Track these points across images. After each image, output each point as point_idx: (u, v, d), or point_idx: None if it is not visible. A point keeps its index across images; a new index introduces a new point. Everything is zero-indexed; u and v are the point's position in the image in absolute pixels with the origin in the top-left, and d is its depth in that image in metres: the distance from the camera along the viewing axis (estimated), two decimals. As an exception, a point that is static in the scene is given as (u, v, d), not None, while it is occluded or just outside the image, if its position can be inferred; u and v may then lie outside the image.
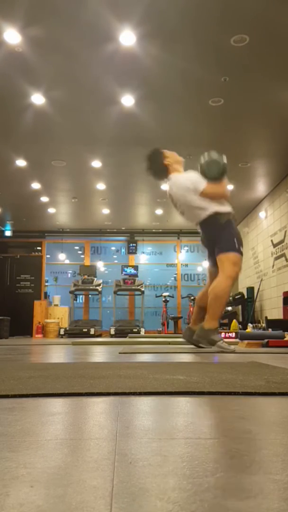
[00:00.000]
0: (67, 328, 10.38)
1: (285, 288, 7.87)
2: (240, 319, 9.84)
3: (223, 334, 5.38)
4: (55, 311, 11.11)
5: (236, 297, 9.94)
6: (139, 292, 11.20)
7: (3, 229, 11.72)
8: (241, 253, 3.42)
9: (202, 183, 3.44)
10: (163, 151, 3.72)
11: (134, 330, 10.25)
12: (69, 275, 12.49)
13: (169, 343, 4.61)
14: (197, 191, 3.42)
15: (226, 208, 3.47)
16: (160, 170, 3.71)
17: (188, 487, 0.45)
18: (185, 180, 3.53)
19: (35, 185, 8.35)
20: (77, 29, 4.14)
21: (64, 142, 6.55)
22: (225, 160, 3.53)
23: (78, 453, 0.59)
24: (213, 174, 3.43)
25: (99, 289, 11.12)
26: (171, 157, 3.69)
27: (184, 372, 1.56)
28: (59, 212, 10.30)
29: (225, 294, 3.30)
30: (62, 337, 9.93)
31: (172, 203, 3.74)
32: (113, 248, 12.69)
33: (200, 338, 3.31)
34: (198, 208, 3.46)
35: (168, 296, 11.19)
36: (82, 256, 12.57)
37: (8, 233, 11.86)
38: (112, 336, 10.07)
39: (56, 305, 11.23)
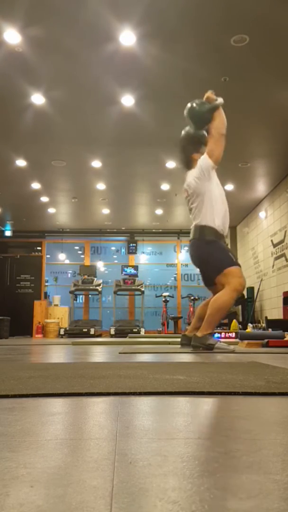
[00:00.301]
0: (67, 328, 10.38)
1: (285, 288, 7.87)
2: (240, 319, 9.84)
3: (223, 334, 5.38)
4: (55, 311, 11.11)
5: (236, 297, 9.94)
6: (139, 292, 11.20)
7: (3, 229, 11.72)
8: (239, 265, 3.42)
9: (204, 158, 3.45)
10: (201, 147, 3.69)
11: (134, 330, 10.25)
12: (69, 275, 12.49)
13: (169, 343, 4.60)
14: (204, 166, 3.42)
15: (215, 224, 3.43)
16: (186, 162, 3.72)
17: (188, 487, 0.45)
18: (192, 171, 3.55)
19: (35, 185, 8.35)
20: (77, 29, 4.14)
21: (64, 142, 6.55)
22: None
23: (78, 453, 0.59)
24: (202, 111, 3.45)
25: (99, 289, 11.12)
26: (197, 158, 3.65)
27: (184, 372, 1.56)
28: (59, 212, 10.30)
29: (227, 306, 3.31)
30: (62, 337, 9.93)
31: (186, 198, 3.70)
32: (113, 248, 12.69)
33: (198, 347, 3.32)
34: (200, 204, 3.44)
35: (168, 296, 11.19)
36: (82, 256, 12.57)
37: (8, 233, 11.86)
38: (112, 336, 10.07)
39: (56, 305, 11.24)
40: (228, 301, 3.29)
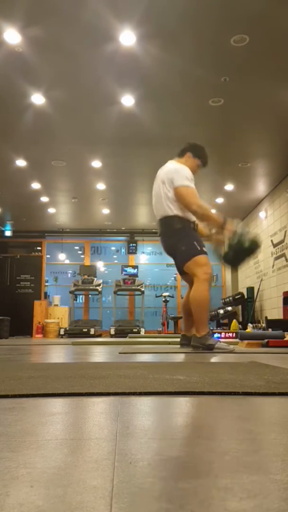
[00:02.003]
0: (67, 328, 10.38)
1: (285, 288, 7.87)
2: (240, 319, 9.83)
3: (223, 334, 5.37)
4: (55, 311, 11.11)
5: (236, 297, 9.95)
6: (139, 292, 11.20)
7: (3, 229, 11.72)
8: (206, 253, 3.40)
9: (183, 181, 3.35)
10: (198, 159, 3.65)
11: (134, 330, 10.25)
12: (69, 275, 12.49)
13: (169, 343, 4.60)
14: (173, 183, 3.36)
15: (188, 215, 3.41)
16: (181, 151, 3.69)
17: (188, 487, 0.45)
18: (174, 169, 3.47)
19: (35, 185, 8.35)
20: (77, 29, 4.14)
21: (64, 142, 6.55)
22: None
23: (78, 453, 0.59)
24: (245, 244, 3.28)
25: (99, 289, 11.12)
26: (192, 163, 3.60)
27: (184, 372, 1.56)
28: (59, 212, 10.30)
29: (205, 299, 3.30)
30: (62, 337, 9.93)
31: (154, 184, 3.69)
32: (113, 248, 12.69)
33: (197, 347, 3.32)
34: (162, 200, 3.42)
35: (168, 296, 11.19)
36: (82, 256, 12.57)
37: (8, 233, 11.86)
38: (112, 336, 10.07)
39: (56, 305, 11.23)
40: (203, 293, 3.29)
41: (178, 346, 3.79)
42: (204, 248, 3.41)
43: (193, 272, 3.35)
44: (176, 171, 3.45)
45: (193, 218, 3.45)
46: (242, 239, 3.28)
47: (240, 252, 3.32)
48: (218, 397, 1.07)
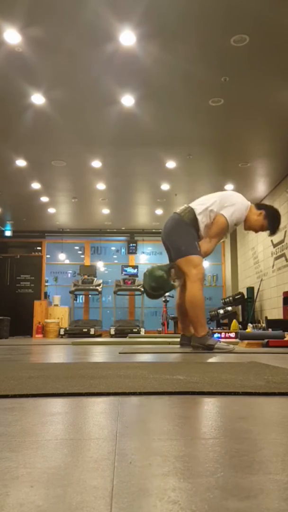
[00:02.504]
0: (67, 328, 10.38)
1: (285, 288, 7.87)
2: (240, 319, 9.83)
3: (223, 334, 5.38)
4: (55, 311, 11.11)
5: (236, 297, 9.95)
6: (139, 292, 11.20)
7: (3, 229, 11.72)
8: (199, 253, 3.41)
9: (229, 211, 3.41)
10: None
11: (134, 330, 10.25)
12: (69, 275, 12.49)
13: (169, 343, 4.60)
14: (220, 207, 3.40)
15: (202, 229, 3.43)
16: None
17: (188, 487, 0.45)
18: (238, 199, 3.53)
19: (35, 185, 8.35)
20: (77, 29, 4.14)
21: (64, 142, 6.55)
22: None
23: (78, 453, 0.59)
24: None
25: (99, 289, 11.12)
26: (258, 217, 3.74)
27: (184, 372, 1.56)
28: (59, 212, 10.31)
29: (199, 299, 3.30)
30: (62, 337, 9.93)
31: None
32: (113, 248, 12.69)
33: (198, 347, 3.32)
34: (203, 206, 3.44)
35: (168, 296, 11.17)
36: (82, 256, 12.57)
37: (8, 233, 11.86)
38: (112, 336, 10.07)
39: (56, 305, 11.24)
40: (197, 293, 3.29)
41: (178, 346, 3.79)
42: (198, 248, 3.42)
43: (185, 270, 3.35)
44: (235, 204, 3.47)
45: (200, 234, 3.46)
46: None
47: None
48: (218, 397, 1.07)
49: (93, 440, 0.66)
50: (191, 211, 3.44)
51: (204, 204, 3.45)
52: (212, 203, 3.44)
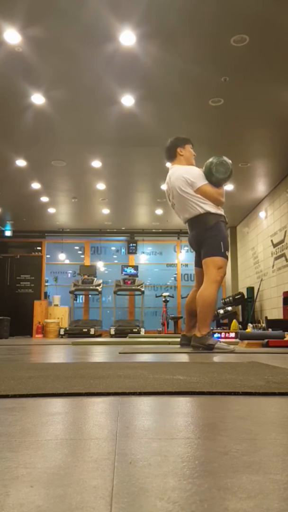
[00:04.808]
0: (67, 328, 10.38)
1: (285, 288, 7.87)
2: (240, 319, 9.84)
3: (223, 334, 5.37)
4: (55, 311, 11.11)
5: (236, 297, 9.95)
6: (139, 292, 11.20)
7: (3, 229, 11.72)
8: (226, 257, 3.43)
9: (202, 181, 3.43)
10: (185, 145, 3.71)
11: (134, 330, 10.25)
12: (69, 275, 12.49)
13: (169, 343, 4.60)
14: (194, 186, 3.42)
15: (218, 210, 3.47)
16: (169, 152, 3.72)
17: (188, 487, 0.45)
18: (184, 172, 3.52)
19: (35, 185, 8.35)
20: (77, 29, 4.15)
21: (64, 142, 6.55)
22: (232, 168, 3.51)
23: (78, 453, 0.59)
24: (218, 174, 3.42)
25: (99, 289, 11.12)
26: (186, 153, 3.68)
27: (184, 372, 1.56)
28: (59, 212, 10.31)
29: (212, 300, 3.32)
30: (62, 337, 9.93)
31: (166, 194, 3.74)
32: (113, 248, 12.69)
33: (197, 347, 3.32)
34: (190, 203, 3.45)
35: (168, 296, 11.19)
36: (82, 256, 12.57)
37: (8, 233, 11.86)
38: (112, 336, 10.07)
39: (56, 305, 11.24)
40: (212, 294, 3.31)
41: (178, 346, 3.79)
42: (227, 252, 3.43)
43: (208, 270, 3.36)
44: (188, 174, 3.49)
45: (222, 211, 3.50)
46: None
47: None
48: (218, 397, 1.07)
49: (93, 440, 0.66)
50: (199, 217, 3.45)
51: (190, 204, 3.46)
52: (188, 195, 3.46)
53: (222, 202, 3.50)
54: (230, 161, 3.51)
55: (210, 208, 3.43)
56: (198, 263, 3.62)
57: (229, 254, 3.51)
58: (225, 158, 3.50)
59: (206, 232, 3.43)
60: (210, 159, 3.48)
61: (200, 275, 3.57)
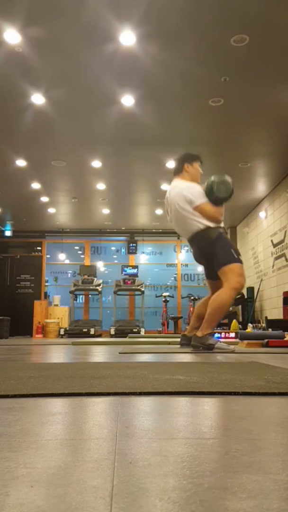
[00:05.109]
0: (67, 328, 10.38)
1: (285, 288, 7.87)
2: (240, 319, 9.84)
3: (223, 334, 5.38)
4: (55, 311, 11.10)
5: (236, 297, 9.93)
6: (139, 292, 11.20)
7: (3, 229, 11.72)
8: (241, 262, 3.43)
9: (201, 198, 3.44)
10: (193, 162, 3.72)
11: (134, 330, 10.25)
12: (69, 275, 12.49)
13: (169, 343, 4.60)
14: (192, 204, 3.43)
15: (218, 224, 3.48)
16: (176, 166, 3.75)
17: (188, 487, 0.45)
18: (184, 188, 3.53)
19: (35, 185, 8.35)
20: (77, 29, 4.14)
21: (64, 142, 6.55)
22: (233, 188, 3.50)
23: (78, 453, 0.59)
24: (219, 193, 3.41)
25: (99, 289, 11.12)
26: (192, 170, 3.69)
27: (184, 372, 1.56)
28: (59, 212, 10.30)
29: (226, 305, 3.32)
30: (62, 337, 9.93)
31: (165, 207, 3.76)
32: (113, 248, 12.69)
33: (198, 347, 3.32)
34: (188, 220, 3.46)
35: (168, 296, 11.19)
36: (82, 256, 12.57)
37: (8, 233, 11.86)
38: (112, 336, 10.07)
39: (56, 305, 11.23)
40: (227, 300, 3.30)
41: (178, 346, 3.79)
42: (240, 257, 3.44)
43: (227, 278, 3.34)
44: (188, 190, 3.50)
45: (222, 223, 3.51)
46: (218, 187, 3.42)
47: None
48: (218, 397, 1.07)
49: (93, 440, 0.66)
50: (200, 233, 3.45)
51: (189, 221, 3.48)
52: (187, 212, 3.47)
53: (220, 221, 3.49)
54: (231, 180, 3.49)
55: (209, 223, 3.43)
56: (210, 275, 3.60)
57: (241, 258, 3.51)
58: (226, 177, 3.50)
59: (211, 245, 3.43)
60: (212, 178, 3.47)
61: (213, 286, 3.55)
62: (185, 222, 3.50)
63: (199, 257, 3.63)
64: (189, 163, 3.71)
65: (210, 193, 3.43)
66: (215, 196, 3.41)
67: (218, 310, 3.30)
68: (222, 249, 3.41)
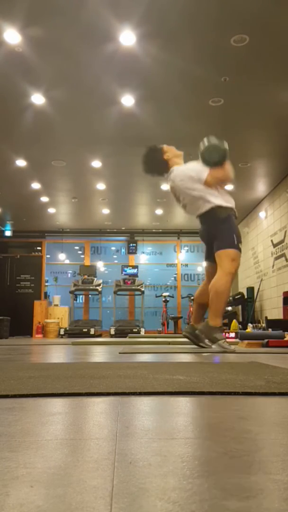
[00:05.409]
0: (67, 328, 10.38)
1: (285, 288, 7.87)
2: (240, 319, 9.84)
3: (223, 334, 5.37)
4: (55, 311, 11.10)
5: (236, 297, 9.95)
6: (139, 292, 11.20)
7: (3, 229, 11.72)
8: (240, 250, 3.43)
9: (205, 171, 3.43)
10: (161, 147, 3.72)
11: (134, 330, 10.25)
12: (69, 275, 12.49)
13: (169, 343, 4.60)
14: (201, 180, 3.41)
15: (228, 203, 3.47)
16: (160, 166, 3.69)
17: (188, 487, 0.45)
18: (188, 170, 3.52)
19: (35, 185, 8.35)
20: (77, 29, 4.14)
21: (64, 142, 6.55)
22: (225, 144, 3.49)
23: (78, 453, 0.59)
24: (214, 159, 3.42)
25: (99, 289, 11.12)
26: (170, 151, 3.70)
27: (184, 372, 1.56)
28: (59, 212, 10.31)
29: (226, 290, 3.31)
30: (62, 337, 9.93)
31: (174, 197, 3.71)
32: (113, 248, 12.69)
33: (203, 334, 3.31)
34: (201, 199, 3.44)
35: (168, 296, 11.19)
36: (82, 256, 12.57)
37: (8, 233, 11.86)
38: (112, 336, 10.07)
39: (56, 305, 11.23)
40: (225, 285, 3.30)
41: (178, 346, 3.79)
42: (240, 245, 3.43)
43: (222, 262, 3.35)
44: (190, 170, 3.50)
45: (233, 204, 3.48)
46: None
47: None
48: (218, 397, 1.07)
49: (93, 440, 0.66)
50: (210, 211, 3.44)
51: (200, 200, 3.45)
52: (196, 191, 3.45)
53: (231, 178, 3.52)
54: (218, 140, 3.49)
55: (221, 201, 3.42)
56: (209, 257, 3.59)
57: (241, 246, 3.50)
58: (212, 139, 3.49)
59: (219, 224, 3.43)
60: (201, 148, 3.48)
61: (211, 269, 3.56)
62: (197, 202, 3.48)
63: (206, 235, 3.60)
64: (160, 153, 3.67)
65: (207, 163, 3.43)
66: (212, 162, 3.42)
67: (218, 296, 3.29)
68: (225, 231, 3.41)
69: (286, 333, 4.59)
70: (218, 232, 3.43)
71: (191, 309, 10.77)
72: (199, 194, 3.44)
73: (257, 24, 4.08)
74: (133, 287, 11.15)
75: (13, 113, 5.69)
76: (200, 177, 3.42)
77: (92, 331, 10.12)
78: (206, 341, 3.44)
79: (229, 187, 8.38)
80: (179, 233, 11.85)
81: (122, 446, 0.62)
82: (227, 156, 3.48)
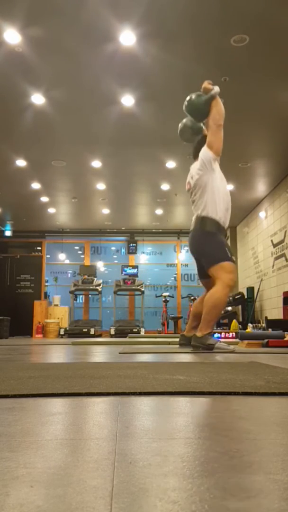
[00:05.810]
0: (67, 328, 10.38)
1: (285, 288, 7.87)
2: (240, 319, 9.84)
3: (223, 334, 5.38)
4: (55, 311, 11.11)
5: (236, 297, 9.95)
6: (139, 292, 11.20)
7: (3, 229, 11.72)
8: (234, 262, 3.42)
9: (204, 144, 3.51)
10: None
11: (134, 330, 10.25)
12: (69, 275, 12.49)
13: (169, 343, 4.60)
14: (207, 150, 3.46)
15: (217, 215, 3.42)
16: (196, 148, 3.75)
17: (188, 487, 0.45)
18: (198, 160, 3.56)
19: (35, 185, 8.35)
20: (77, 29, 4.14)
21: (64, 142, 6.55)
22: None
23: (78, 453, 0.59)
24: (201, 100, 3.52)
25: (99, 289, 11.12)
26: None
27: (184, 372, 1.56)
28: (59, 212, 10.31)
29: (222, 303, 3.30)
30: (62, 337, 9.93)
31: (188, 191, 3.69)
32: (113, 248, 12.69)
33: (199, 346, 3.31)
34: (202, 200, 3.44)
35: (168, 296, 11.19)
36: (82, 256, 12.57)
37: (8, 233, 11.86)
38: (112, 336, 10.07)
39: (56, 305, 11.23)
40: (222, 298, 3.28)
41: (178, 346, 3.79)
42: (233, 257, 3.42)
43: (219, 275, 3.32)
44: (200, 155, 3.55)
45: (225, 222, 3.46)
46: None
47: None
48: (218, 397, 1.07)
49: (93, 440, 0.66)
50: (202, 219, 3.43)
51: (201, 201, 3.45)
52: (201, 189, 3.47)
53: (223, 110, 3.67)
54: (192, 93, 3.62)
55: (213, 214, 3.40)
56: (203, 275, 3.58)
57: (234, 258, 3.49)
58: (189, 97, 3.65)
59: (203, 237, 3.41)
60: (185, 106, 3.70)
61: (208, 286, 3.52)
62: (200, 200, 3.47)
63: (194, 246, 3.58)
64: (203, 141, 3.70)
65: (198, 110, 3.62)
66: (202, 103, 3.60)
67: (214, 308, 3.28)
68: (213, 246, 3.38)
69: (286, 333, 4.59)
70: (206, 245, 3.41)
71: (191, 309, 10.77)
72: (205, 192, 3.42)
73: (257, 24, 4.08)
74: (133, 287, 11.15)
75: (13, 113, 5.69)
76: (205, 148, 3.46)
77: (92, 331, 10.12)
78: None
79: (229, 187, 8.38)
80: (179, 233, 11.85)
81: (122, 446, 0.62)
82: (210, 98, 3.57)
